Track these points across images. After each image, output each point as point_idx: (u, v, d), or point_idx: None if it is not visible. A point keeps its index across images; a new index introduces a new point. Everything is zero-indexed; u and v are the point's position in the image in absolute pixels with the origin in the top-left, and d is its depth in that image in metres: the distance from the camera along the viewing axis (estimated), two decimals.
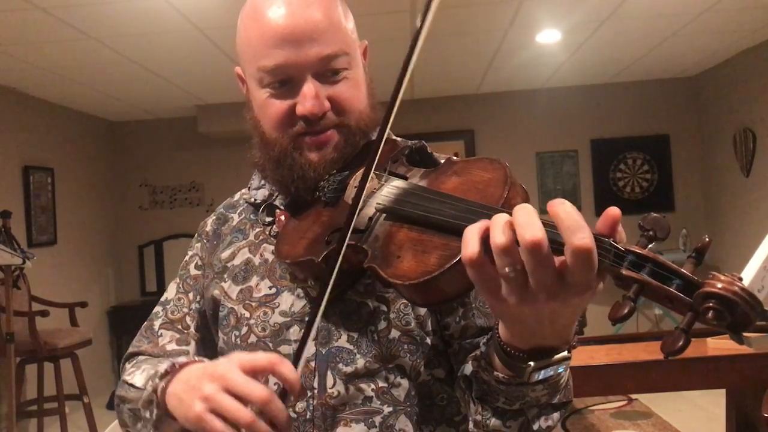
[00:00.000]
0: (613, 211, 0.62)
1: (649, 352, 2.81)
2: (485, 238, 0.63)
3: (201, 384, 0.76)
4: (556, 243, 0.60)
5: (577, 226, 0.58)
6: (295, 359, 0.79)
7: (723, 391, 3.24)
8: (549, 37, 4.43)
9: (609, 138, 6.22)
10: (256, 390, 0.72)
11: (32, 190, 5.04)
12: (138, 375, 0.92)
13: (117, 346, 6.21)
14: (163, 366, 0.87)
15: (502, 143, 6.26)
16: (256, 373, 0.74)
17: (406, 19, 3.91)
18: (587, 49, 4.82)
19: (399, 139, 1.04)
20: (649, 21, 4.19)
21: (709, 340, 2.68)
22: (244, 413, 0.71)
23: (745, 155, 5.29)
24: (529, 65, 5.23)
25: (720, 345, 2.65)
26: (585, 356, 2.81)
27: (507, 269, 0.61)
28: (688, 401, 4.58)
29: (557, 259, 0.61)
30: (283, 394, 0.74)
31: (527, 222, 0.60)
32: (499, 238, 0.61)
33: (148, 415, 0.86)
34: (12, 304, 3.81)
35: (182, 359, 0.89)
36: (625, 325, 5.64)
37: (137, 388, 0.90)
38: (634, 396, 4.72)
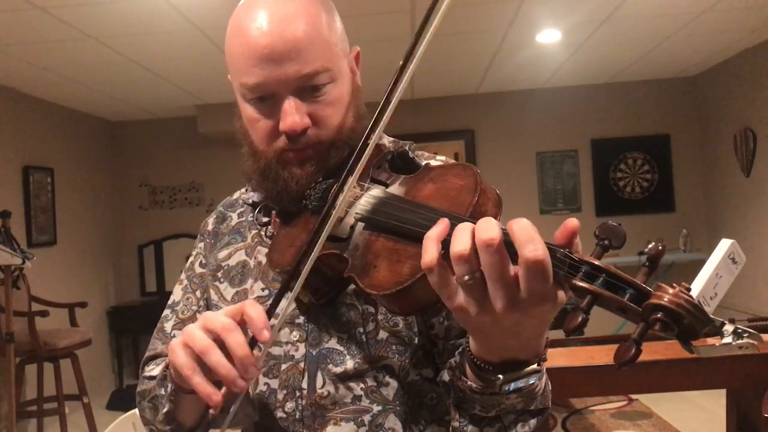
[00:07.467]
0: (572, 222, 0.63)
1: (650, 352, 2.80)
2: (446, 245, 0.63)
3: None
4: (514, 253, 0.60)
5: (528, 239, 0.59)
6: (270, 310, 0.79)
7: (723, 391, 3.24)
8: (549, 37, 4.43)
9: (609, 138, 6.22)
10: (220, 319, 0.74)
11: (32, 190, 5.04)
12: (156, 369, 0.96)
13: (117, 346, 6.18)
14: None
15: (502, 143, 6.26)
16: (234, 317, 0.75)
17: (406, 19, 3.91)
18: (587, 49, 4.82)
19: (390, 139, 1.04)
20: (649, 21, 4.19)
21: (709, 340, 2.68)
22: (200, 339, 0.73)
23: (745, 155, 5.29)
24: (529, 65, 5.22)
25: None
26: (585, 356, 2.80)
27: (466, 277, 0.62)
28: (688, 401, 4.57)
29: (514, 269, 0.61)
30: (253, 340, 0.75)
31: (485, 227, 0.61)
32: (456, 245, 0.62)
33: (163, 391, 0.88)
34: (12, 304, 3.80)
35: None
36: (625, 325, 5.65)
37: (155, 377, 0.93)
38: (634, 396, 4.72)
